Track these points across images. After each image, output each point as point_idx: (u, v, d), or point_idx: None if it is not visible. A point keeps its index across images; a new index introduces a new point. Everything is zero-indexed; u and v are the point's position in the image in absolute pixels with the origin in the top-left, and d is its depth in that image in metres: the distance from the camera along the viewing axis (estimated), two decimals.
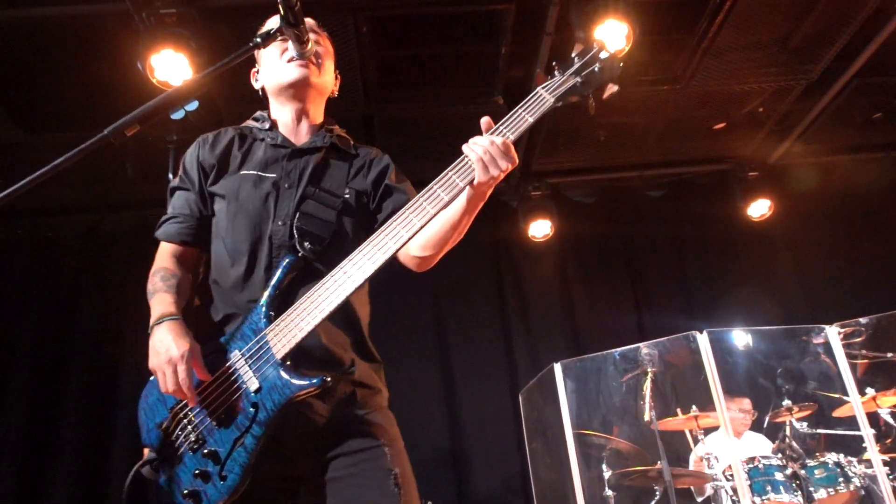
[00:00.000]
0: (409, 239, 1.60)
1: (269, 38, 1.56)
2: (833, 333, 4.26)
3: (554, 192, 5.88)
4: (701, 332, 4.15)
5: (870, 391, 4.12)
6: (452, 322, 5.74)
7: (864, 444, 4.06)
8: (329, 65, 2.01)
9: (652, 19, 4.08)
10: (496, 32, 4.30)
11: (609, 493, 4.28)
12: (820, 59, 4.70)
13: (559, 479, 4.62)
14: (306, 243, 1.74)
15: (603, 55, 1.76)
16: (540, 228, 5.76)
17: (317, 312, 1.58)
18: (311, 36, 1.95)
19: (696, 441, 4.43)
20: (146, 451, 1.73)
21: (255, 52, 2.02)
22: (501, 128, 1.67)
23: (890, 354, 4.30)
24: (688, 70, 4.69)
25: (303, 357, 1.64)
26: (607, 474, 4.31)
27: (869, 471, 3.95)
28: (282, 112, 1.98)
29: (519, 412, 5.15)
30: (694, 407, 4.24)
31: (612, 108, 5.04)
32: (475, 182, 1.62)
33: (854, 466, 3.95)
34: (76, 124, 4.40)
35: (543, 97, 1.72)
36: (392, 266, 1.95)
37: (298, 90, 1.93)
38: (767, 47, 4.58)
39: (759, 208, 5.87)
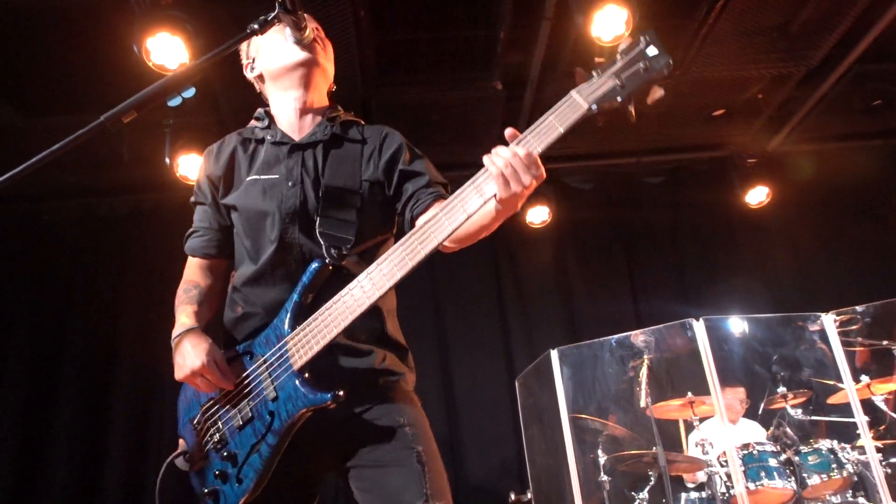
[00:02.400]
0: (426, 256, 1.53)
1: (266, 24, 1.54)
2: (829, 321, 4.27)
3: (552, 178, 5.86)
4: (697, 320, 4.15)
5: (864, 378, 4.15)
6: (450, 308, 5.75)
7: (857, 431, 4.08)
8: (329, 53, 1.97)
9: (652, 4, 4.04)
10: (495, 16, 4.27)
11: (604, 477, 4.30)
12: (820, 45, 4.66)
13: (555, 465, 4.65)
14: (332, 250, 1.70)
15: (651, 51, 1.48)
16: (538, 215, 5.75)
17: (333, 327, 1.58)
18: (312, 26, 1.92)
19: (689, 430, 4.45)
20: (181, 442, 1.77)
21: (245, 45, 1.99)
22: (528, 137, 1.48)
23: (885, 342, 4.31)
24: (687, 56, 4.66)
25: (323, 351, 1.64)
26: (603, 459, 4.33)
27: (862, 457, 3.97)
28: (283, 102, 1.92)
29: (515, 398, 5.16)
30: (689, 393, 4.25)
31: None
32: (497, 198, 1.48)
33: (847, 453, 3.97)
34: (71, 108, 4.37)
35: (576, 102, 1.49)
36: None
37: (307, 70, 1.87)
38: (767, 33, 4.54)
39: (757, 195, 5.85)
